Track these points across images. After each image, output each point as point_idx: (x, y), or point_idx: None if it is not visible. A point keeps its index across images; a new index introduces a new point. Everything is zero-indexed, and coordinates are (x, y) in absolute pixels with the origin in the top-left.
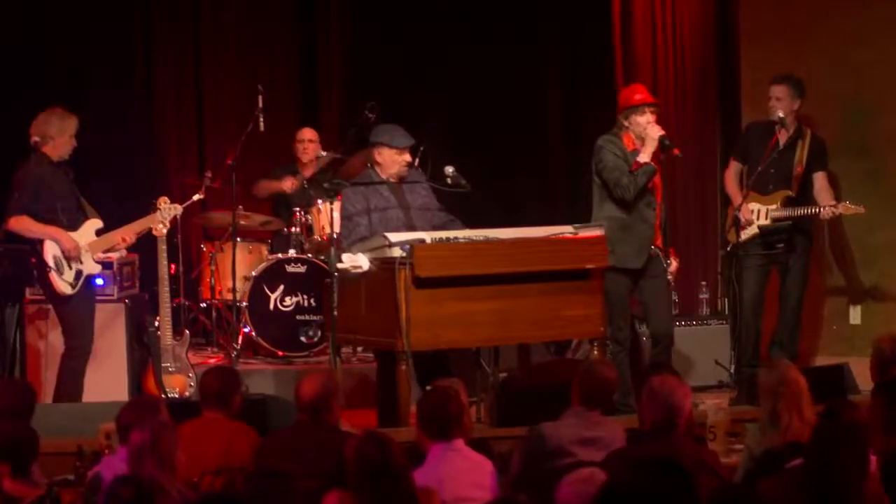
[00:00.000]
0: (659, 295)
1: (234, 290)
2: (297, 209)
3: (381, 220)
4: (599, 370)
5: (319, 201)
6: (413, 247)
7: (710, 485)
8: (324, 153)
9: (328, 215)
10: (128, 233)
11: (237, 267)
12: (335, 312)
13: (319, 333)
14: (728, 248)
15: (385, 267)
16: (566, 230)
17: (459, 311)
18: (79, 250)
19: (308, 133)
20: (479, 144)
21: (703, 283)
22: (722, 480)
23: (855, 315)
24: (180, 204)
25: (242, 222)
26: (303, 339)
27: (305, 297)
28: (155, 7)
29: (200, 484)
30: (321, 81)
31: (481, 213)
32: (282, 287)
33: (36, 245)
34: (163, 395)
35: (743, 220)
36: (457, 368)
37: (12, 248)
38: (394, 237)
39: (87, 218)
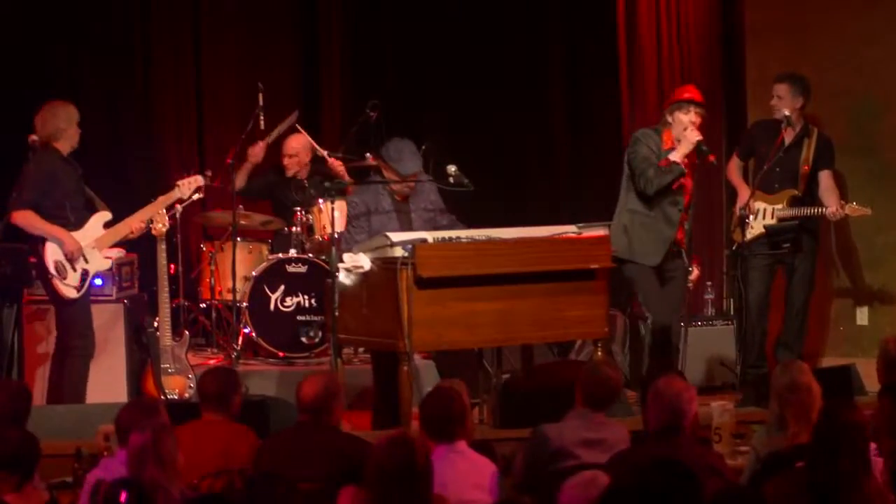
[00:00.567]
0: (669, 293)
1: (234, 291)
2: (298, 208)
3: (382, 224)
4: (603, 371)
5: (321, 200)
6: (415, 246)
7: (715, 487)
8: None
9: (329, 215)
10: (136, 221)
11: (237, 267)
12: (336, 313)
13: (320, 334)
14: (733, 248)
15: (387, 267)
16: (569, 230)
17: (462, 312)
18: (81, 251)
19: (290, 147)
20: (481, 143)
21: (709, 283)
22: (727, 483)
23: (862, 316)
24: (179, 204)
25: (242, 222)
26: (304, 339)
27: (306, 297)
28: (154, 6)
29: (200, 486)
30: (321, 81)
31: (484, 212)
32: (282, 287)
33: (38, 246)
34: (162, 397)
35: (749, 213)
36: (459, 369)
37: (10, 247)
38: (395, 237)
39: (94, 212)
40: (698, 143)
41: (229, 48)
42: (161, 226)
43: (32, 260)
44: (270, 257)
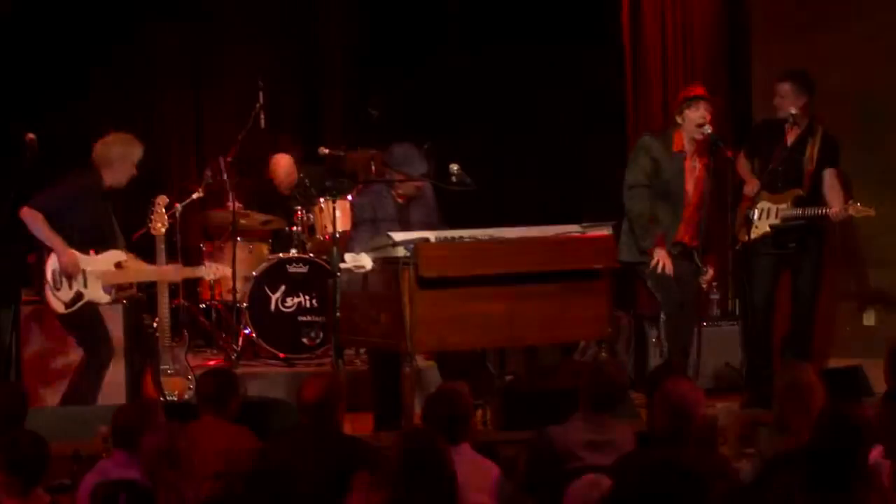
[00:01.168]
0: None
1: (234, 291)
2: (299, 208)
3: (387, 230)
4: (608, 372)
5: (322, 200)
6: (417, 246)
7: (720, 490)
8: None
9: (330, 214)
10: (146, 276)
11: (237, 267)
12: (338, 313)
13: (322, 335)
14: (738, 248)
15: (389, 267)
16: (573, 229)
17: (464, 312)
18: (78, 269)
19: (278, 175)
20: (484, 142)
21: (715, 283)
22: (733, 485)
23: (869, 316)
24: (178, 203)
25: (243, 221)
26: (305, 340)
27: (307, 297)
28: (154, 5)
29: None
30: (322, 81)
31: (486, 211)
32: (283, 287)
33: (43, 251)
34: (161, 398)
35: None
36: (462, 371)
37: (8, 247)
38: (398, 236)
39: (114, 246)
40: (712, 137)
41: (229, 48)
42: (160, 225)
43: (31, 260)
44: (271, 257)
